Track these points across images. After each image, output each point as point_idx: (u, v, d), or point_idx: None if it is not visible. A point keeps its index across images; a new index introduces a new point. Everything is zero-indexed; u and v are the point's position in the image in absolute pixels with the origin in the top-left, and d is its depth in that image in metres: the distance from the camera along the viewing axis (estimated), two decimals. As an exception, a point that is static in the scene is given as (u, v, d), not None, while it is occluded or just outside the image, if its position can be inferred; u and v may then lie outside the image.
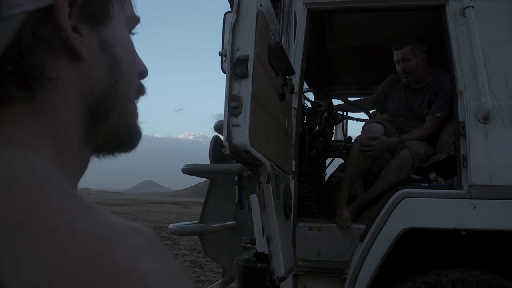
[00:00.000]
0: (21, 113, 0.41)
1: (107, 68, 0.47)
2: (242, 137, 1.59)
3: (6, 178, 0.34)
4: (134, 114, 0.53)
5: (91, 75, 0.45)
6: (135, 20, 0.54)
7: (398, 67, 3.11)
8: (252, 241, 2.64)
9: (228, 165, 2.96)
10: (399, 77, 3.21)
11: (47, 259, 0.30)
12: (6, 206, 0.32)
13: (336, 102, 3.95)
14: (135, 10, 0.54)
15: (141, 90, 0.56)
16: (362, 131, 3.12)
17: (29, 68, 0.40)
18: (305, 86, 3.99)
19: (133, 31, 0.55)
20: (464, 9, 2.56)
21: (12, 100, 0.40)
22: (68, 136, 0.44)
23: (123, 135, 0.52)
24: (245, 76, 1.62)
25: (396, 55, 3.10)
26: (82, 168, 0.49)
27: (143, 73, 0.56)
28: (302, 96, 3.00)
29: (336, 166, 3.92)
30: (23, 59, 0.40)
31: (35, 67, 0.41)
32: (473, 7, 2.54)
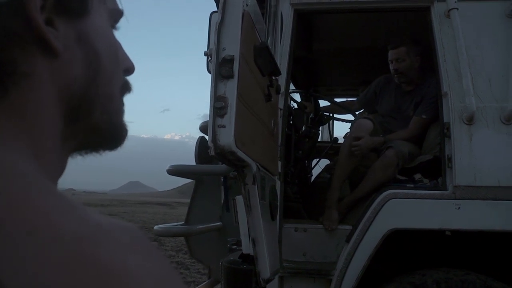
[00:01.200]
0: None
1: (86, 63, 0.45)
2: (227, 138, 1.57)
3: None
4: (119, 112, 0.51)
5: (68, 70, 0.43)
6: (118, 13, 0.52)
7: (391, 67, 3.13)
8: (238, 243, 2.63)
9: (213, 166, 2.94)
10: (391, 78, 3.23)
11: (28, 260, 0.28)
12: None
13: (322, 103, 3.95)
14: (118, 3, 0.52)
15: (126, 87, 0.53)
16: (351, 127, 3.13)
17: None
18: (291, 87, 3.99)
19: (117, 25, 0.53)
20: (449, 11, 2.58)
21: None
22: (45, 135, 0.42)
23: (107, 133, 0.50)
24: (230, 76, 1.60)
25: (390, 54, 3.12)
26: (60, 168, 0.47)
27: (129, 69, 0.53)
28: (288, 97, 2.99)
29: (322, 167, 3.92)
30: None
31: (6, 62, 0.38)
32: (457, 9, 2.56)
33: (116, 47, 0.50)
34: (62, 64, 0.43)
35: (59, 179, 0.47)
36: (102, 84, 0.47)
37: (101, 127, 0.49)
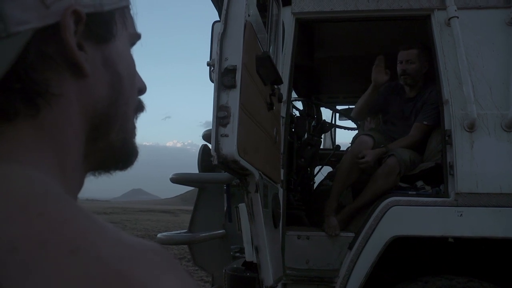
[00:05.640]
0: (24, 129, 0.41)
1: (109, 85, 0.47)
2: (230, 147, 1.59)
3: (17, 197, 0.34)
4: (132, 132, 0.53)
5: (93, 92, 0.46)
6: (137, 37, 0.55)
7: (399, 67, 3.13)
8: (241, 250, 2.64)
9: (216, 174, 2.96)
10: (397, 84, 3.24)
11: (71, 280, 0.29)
12: (25, 226, 0.32)
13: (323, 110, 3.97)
14: (136, 27, 0.55)
15: (140, 107, 0.56)
16: (352, 143, 3.14)
17: (34, 84, 0.40)
18: (293, 95, 4.01)
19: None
20: (449, 19, 2.60)
21: (16, 115, 0.40)
22: (70, 153, 0.44)
23: (120, 153, 0.52)
24: (233, 86, 1.62)
25: (401, 55, 3.12)
26: (79, 185, 0.49)
27: (142, 90, 0.56)
28: (290, 105, 3.01)
29: (325, 174, 3.93)
30: (29, 75, 0.40)
31: (40, 83, 0.41)
32: (458, 17, 2.58)
33: (134, 69, 0.53)
34: (89, 86, 0.45)
35: (77, 195, 0.49)
36: (121, 105, 0.50)
37: (116, 146, 0.51)
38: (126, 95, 0.50)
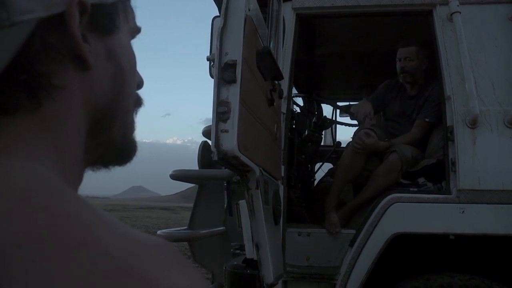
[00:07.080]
0: (25, 122, 0.39)
1: (112, 78, 0.47)
2: (230, 143, 1.57)
3: (19, 190, 0.33)
4: (131, 126, 0.53)
5: (96, 84, 0.45)
6: (137, 30, 0.55)
7: (398, 65, 3.10)
8: (241, 247, 2.63)
9: (216, 170, 2.94)
10: (397, 83, 3.22)
11: (78, 275, 0.28)
12: (27, 221, 0.30)
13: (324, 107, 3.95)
14: (136, 20, 0.54)
15: (139, 102, 0.56)
16: (353, 138, 3.13)
17: (37, 76, 0.39)
18: (294, 91, 3.99)
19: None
20: (452, 14, 2.57)
21: (18, 108, 0.39)
22: (71, 147, 0.43)
23: (120, 148, 0.52)
24: (233, 81, 1.60)
25: (400, 52, 3.10)
26: (79, 180, 0.48)
27: (140, 84, 0.56)
28: (291, 101, 2.99)
29: (325, 171, 3.92)
30: (34, 67, 0.39)
31: (43, 75, 0.39)
32: (460, 12, 2.55)
33: (135, 63, 0.52)
34: (92, 78, 0.44)
35: (78, 190, 0.48)
36: (123, 99, 0.49)
37: (116, 141, 0.50)
38: (128, 89, 0.49)
